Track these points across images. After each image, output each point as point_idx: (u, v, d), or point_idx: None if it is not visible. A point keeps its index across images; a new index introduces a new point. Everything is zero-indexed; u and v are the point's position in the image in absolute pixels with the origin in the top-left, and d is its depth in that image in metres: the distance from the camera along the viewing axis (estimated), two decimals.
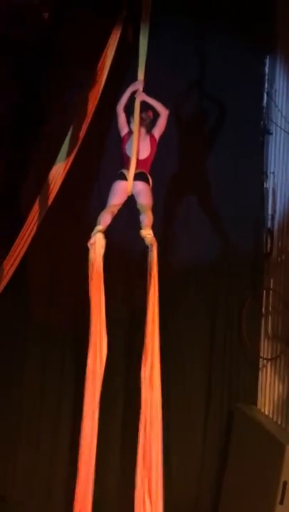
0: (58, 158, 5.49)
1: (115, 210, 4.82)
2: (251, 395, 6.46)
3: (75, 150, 5.51)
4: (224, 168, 6.36)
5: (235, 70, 6.20)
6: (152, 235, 4.54)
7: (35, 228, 5.56)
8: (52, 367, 6.31)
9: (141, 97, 4.96)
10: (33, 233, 5.56)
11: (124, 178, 4.91)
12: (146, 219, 4.70)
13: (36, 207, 5.59)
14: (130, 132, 4.98)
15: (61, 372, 6.31)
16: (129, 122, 5.02)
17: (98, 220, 4.62)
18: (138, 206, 4.88)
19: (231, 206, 6.37)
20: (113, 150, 6.04)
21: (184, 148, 6.23)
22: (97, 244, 4.48)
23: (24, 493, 6.24)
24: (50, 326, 6.26)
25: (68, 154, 5.50)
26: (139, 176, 4.91)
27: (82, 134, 5.52)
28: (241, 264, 6.41)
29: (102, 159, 6.25)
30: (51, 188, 5.53)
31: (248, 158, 6.35)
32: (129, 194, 4.92)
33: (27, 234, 5.56)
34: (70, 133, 5.51)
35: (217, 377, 6.42)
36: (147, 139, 4.99)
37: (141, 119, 4.95)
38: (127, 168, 4.92)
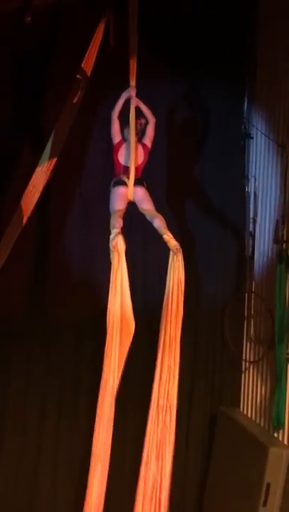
0: (40, 161, 5.50)
1: (121, 214, 4.92)
2: (234, 397, 6.49)
3: (57, 153, 5.53)
4: (205, 173, 6.41)
5: (218, 75, 6.22)
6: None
7: (16, 235, 5.57)
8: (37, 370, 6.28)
9: (135, 102, 5.03)
10: (14, 239, 5.57)
11: (122, 184, 5.04)
12: (161, 222, 4.85)
13: (19, 210, 5.59)
14: (123, 141, 5.09)
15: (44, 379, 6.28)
16: (121, 131, 5.09)
17: (112, 225, 4.70)
18: (145, 213, 5.03)
19: (213, 210, 6.42)
20: (96, 155, 6.11)
21: (165, 154, 6.25)
22: (120, 245, 4.54)
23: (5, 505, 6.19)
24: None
25: (51, 157, 5.51)
26: (135, 182, 5.05)
27: (63, 138, 5.53)
28: (224, 268, 6.45)
29: (84, 163, 6.27)
30: (32, 194, 5.54)
31: (229, 163, 6.39)
32: (130, 200, 5.03)
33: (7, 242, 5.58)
34: (50, 140, 5.52)
35: (200, 380, 6.44)
36: (139, 147, 5.10)
37: None
38: (121, 174, 5.05)
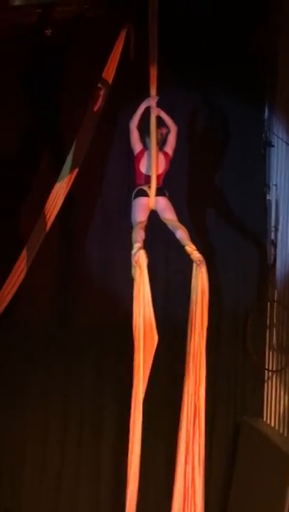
0: (60, 175, 5.55)
1: (143, 225, 4.88)
2: (257, 407, 6.44)
3: (77, 167, 5.58)
4: (226, 181, 6.40)
5: (238, 83, 6.22)
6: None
7: (38, 245, 5.63)
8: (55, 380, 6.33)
9: (156, 111, 5.00)
10: (36, 249, 5.62)
11: (144, 194, 5.01)
12: (184, 233, 4.77)
13: (38, 225, 5.65)
14: (144, 150, 5.06)
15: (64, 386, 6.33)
16: (143, 140, 5.08)
17: (134, 239, 4.64)
18: (167, 223, 4.97)
19: (234, 218, 6.40)
20: (117, 164, 6.14)
21: (185, 163, 6.25)
22: (142, 260, 4.53)
23: (29, 507, 6.24)
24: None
25: (71, 171, 5.56)
26: (157, 192, 5.02)
27: (84, 151, 5.58)
28: (245, 277, 6.42)
29: (105, 172, 6.29)
30: (53, 205, 5.61)
31: (250, 171, 6.36)
32: (152, 208, 5.01)
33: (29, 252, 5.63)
34: (72, 151, 5.56)
35: (223, 391, 6.40)
36: (161, 155, 5.06)
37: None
38: (143, 184, 5.03)
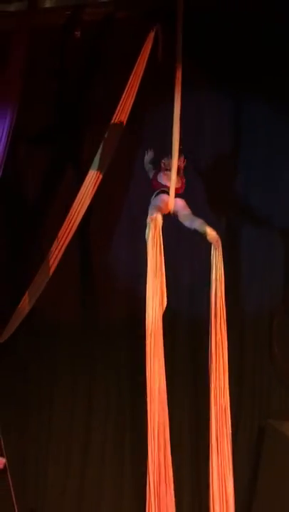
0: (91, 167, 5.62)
1: (162, 210, 4.98)
2: (283, 410, 6.38)
3: (104, 168, 5.65)
4: (252, 177, 6.35)
5: (267, 85, 6.17)
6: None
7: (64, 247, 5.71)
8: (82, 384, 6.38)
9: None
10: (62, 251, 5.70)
11: (165, 192, 5.15)
12: (199, 220, 4.95)
13: (67, 223, 5.73)
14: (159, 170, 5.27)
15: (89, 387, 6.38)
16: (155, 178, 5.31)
17: (151, 213, 4.78)
18: (185, 219, 5.12)
19: (260, 214, 6.35)
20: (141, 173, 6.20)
21: (213, 159, 6.27)
22: (158, 219, 4.58)
23: (55, 506, 6.25)
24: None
25: (98, 169, 5.63)
26: (176, 195, 5.17)
27: (110, 156, 5.66)
28: (271, 276, 6.38)
29: (131, 175, 6.36)
30: (81, 202, 5.67)
31: (279, 168, 6.30)
32: (170, 211, 5.11)
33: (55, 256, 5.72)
34: (98, 155, 5.64)
35: (248, 393, 6.34)
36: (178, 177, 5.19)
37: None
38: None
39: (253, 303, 6.36)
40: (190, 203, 5.35)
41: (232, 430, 6.12)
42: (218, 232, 4.69)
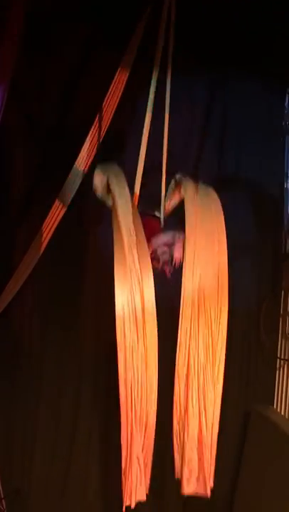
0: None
1: None
2: (268, 395, 6.44)
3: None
4: (243, 168, 6.35)
5: (258, 69, 6.13)
6: None
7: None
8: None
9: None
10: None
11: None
12: None
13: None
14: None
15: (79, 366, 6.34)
16: None
17: None
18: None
19: (250, 206, 6.36)
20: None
21: (201, 148, 6.22)
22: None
23: (40, 487, 6.28)
24: None
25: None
26: None
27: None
28: (260, 265, 6.40)
29: None
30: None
31: (268, 159, 6.32)
32: None
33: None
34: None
35: (234, 378, 6.35)
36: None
37: None
38: None
39: (240, 289, 6.36)
40: None
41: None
42: None
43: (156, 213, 4.90)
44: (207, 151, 6.24)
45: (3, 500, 5.97)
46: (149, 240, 4.51)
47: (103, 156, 5.47)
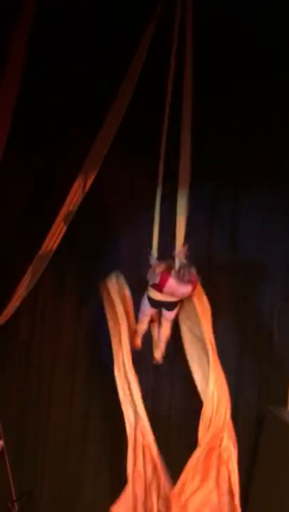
0: None
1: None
2: (282, 397, 6.39)
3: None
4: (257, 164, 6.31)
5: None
6: None
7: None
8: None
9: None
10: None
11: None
12: None
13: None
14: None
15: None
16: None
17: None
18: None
19: (262, 204, 6.35)
20: None
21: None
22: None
23: (52, 488, 6.28)
24: None
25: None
26: None
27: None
28: (272, 266, 6.37)
29: None
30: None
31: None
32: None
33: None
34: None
35: (247, 379, 6.37)
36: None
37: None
38: None
39: (254, 291, 6.34)
40: None
41: (232, 417, 6.22)
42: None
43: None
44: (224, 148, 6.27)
45: (15, 503, 5.96)
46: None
47: None
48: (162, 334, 5.59)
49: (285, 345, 6.36)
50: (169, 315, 5.47)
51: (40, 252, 5.67)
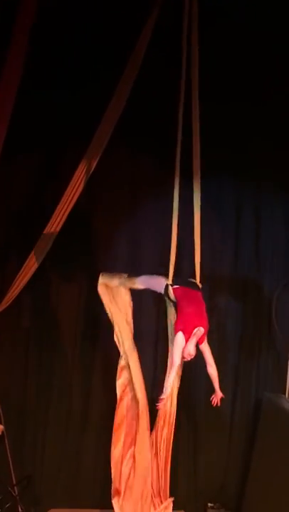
0: None
1: None
2: (280, 383, 6.43)
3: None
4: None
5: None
6: None
7: None
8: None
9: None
10: None
11: None
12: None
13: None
14: None
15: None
16: None
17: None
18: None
19: (262, 197, 6.44)
20: None
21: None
22: None
23: (51, 472, 6.32)
24: None
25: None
26: None
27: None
28: (273, 252, 6.42)
29: None
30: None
31: None
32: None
33: None
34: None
35: (246, 366, 6.43)
36: None
37: None
38: None
39: (253, 279, 6.38)
40: None
41: (229, 403, 6.26)
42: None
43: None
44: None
45: (15, 487, 5.99)
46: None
47: None
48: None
49: (284, 334, 6.40)
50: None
51: (44, 232, 5.69)
